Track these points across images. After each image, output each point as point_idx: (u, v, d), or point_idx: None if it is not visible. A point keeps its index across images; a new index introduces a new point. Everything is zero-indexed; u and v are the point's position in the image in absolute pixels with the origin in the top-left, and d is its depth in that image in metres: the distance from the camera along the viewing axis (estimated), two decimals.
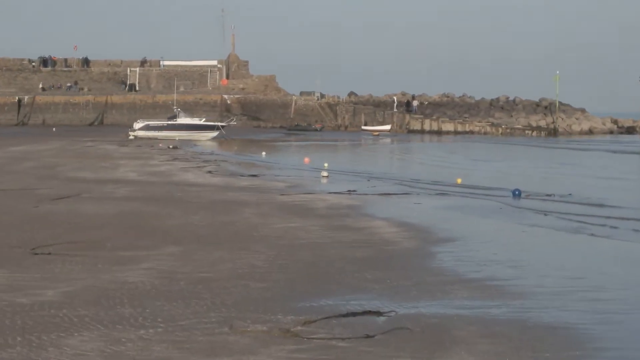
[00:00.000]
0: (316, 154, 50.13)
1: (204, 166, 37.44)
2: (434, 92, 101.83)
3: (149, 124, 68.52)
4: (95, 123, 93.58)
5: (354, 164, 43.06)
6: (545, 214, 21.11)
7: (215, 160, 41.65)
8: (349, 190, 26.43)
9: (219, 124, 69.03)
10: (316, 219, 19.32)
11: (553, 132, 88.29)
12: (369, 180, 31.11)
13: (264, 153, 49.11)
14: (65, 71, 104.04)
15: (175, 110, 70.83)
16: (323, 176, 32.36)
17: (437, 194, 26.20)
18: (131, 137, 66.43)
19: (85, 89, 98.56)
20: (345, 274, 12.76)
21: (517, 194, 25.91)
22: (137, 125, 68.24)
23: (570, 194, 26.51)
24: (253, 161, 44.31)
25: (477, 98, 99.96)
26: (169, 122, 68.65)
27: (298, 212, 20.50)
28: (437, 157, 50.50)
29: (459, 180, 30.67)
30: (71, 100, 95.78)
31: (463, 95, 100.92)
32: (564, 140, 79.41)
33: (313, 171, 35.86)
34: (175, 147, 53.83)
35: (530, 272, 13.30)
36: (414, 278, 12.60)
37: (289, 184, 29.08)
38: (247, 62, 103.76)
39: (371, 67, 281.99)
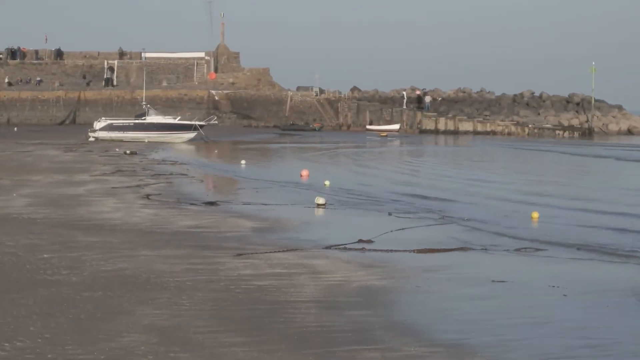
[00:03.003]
0: (311, 162, 38.93)
1: (148, 184, 26.02)
2: (447, 87, 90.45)
3: (112, 124, 56.65)
4: (67, 122, 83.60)
5: (361, 178, 31.47)
6: None
7: (171, 175, 30.13)
8: (362, 242, 15.10)
9: (197, 123, 57.18)
10: None
11: (588, 133, 76.38)
12: (390, 215, 19.69)
13: (243, 162, 37.66)
14: (35, 64, 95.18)
15: (144, 106, 59.02)
16: (318, 204, 21.04)
17: (518, 251, 14.76)
18: (91, 139, 54.88)
19: (58, 83, 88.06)
20: None
21: None
22: (98, 124, 56.34)
23: None
24: (226, 174, 32.93)
25: (497, 93, 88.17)
26: (137, 122, 56.74)
27: (253, 328, 9.12)
28: (472, 169, 38.73)
29: (536, 217, 19.23)
30: (39, 96, 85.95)
31: (481, 91, 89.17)
32: (606, 143, 66.95)
33: (304, 192, 24.53)
34: (133, 153, 42.39)
35: None
36: None
37: (260, 222, 17.77)
38: (237, 53, 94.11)
39: (376, 60, 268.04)
